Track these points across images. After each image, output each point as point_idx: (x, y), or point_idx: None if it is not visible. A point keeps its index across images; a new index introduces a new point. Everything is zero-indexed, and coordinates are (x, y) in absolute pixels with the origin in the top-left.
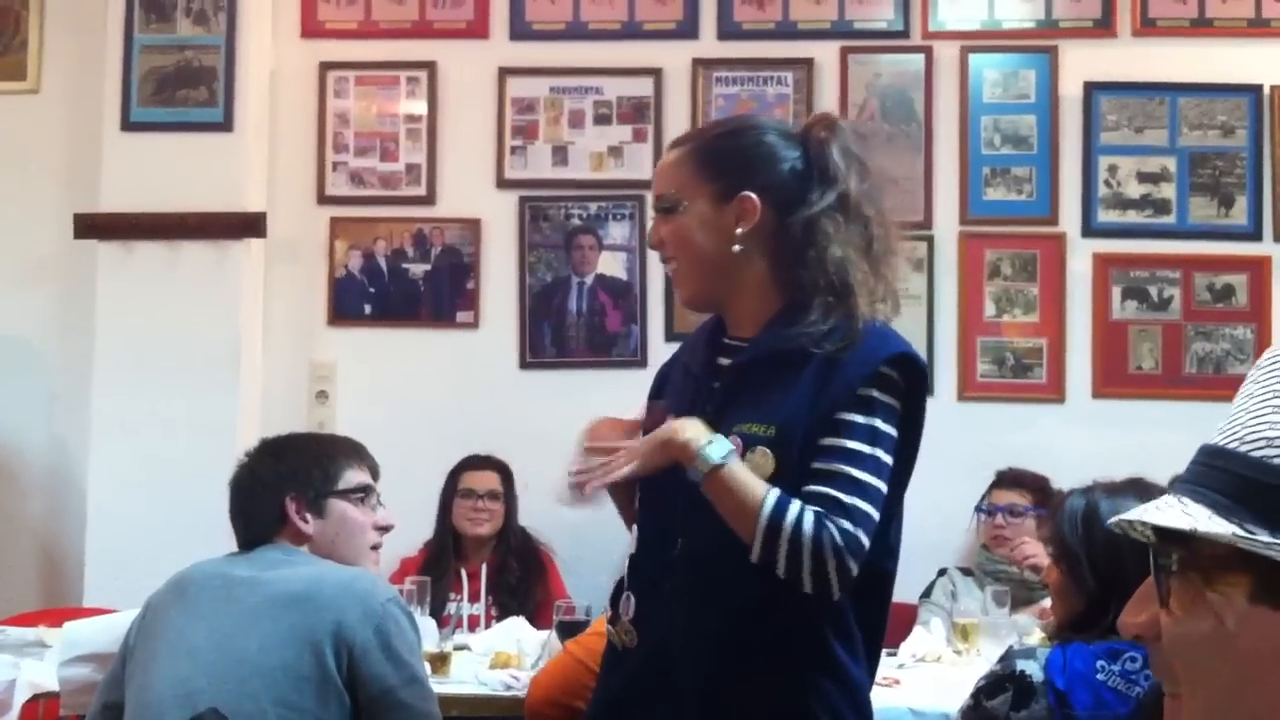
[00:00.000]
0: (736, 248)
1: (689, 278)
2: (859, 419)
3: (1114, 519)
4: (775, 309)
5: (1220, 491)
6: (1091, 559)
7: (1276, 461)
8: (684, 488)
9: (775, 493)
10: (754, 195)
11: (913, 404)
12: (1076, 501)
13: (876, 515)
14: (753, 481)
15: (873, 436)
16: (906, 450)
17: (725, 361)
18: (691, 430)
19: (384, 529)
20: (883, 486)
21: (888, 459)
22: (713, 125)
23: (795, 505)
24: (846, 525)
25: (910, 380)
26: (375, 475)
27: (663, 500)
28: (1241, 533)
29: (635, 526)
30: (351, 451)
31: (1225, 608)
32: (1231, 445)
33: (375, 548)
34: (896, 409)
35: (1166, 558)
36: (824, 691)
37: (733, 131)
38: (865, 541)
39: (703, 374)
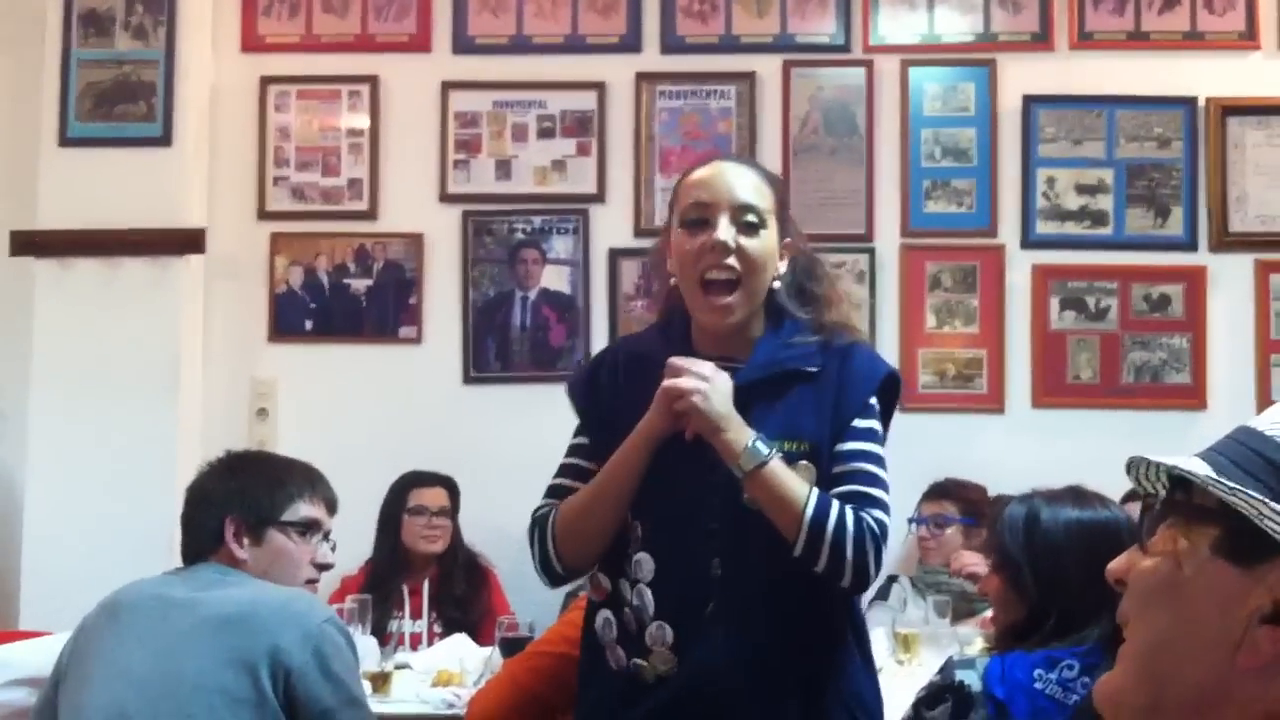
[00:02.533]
0: (777, 284)
1: (748, 298)
2: (869, 424)
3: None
4: (760, 330)
5: (1229, 457)
6: (1033, 566)
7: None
8: (713, 509)
9: (816, 492)
10: (790, 237)
11: (891, 412)
12: (1016, 510)
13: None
14: (793, 480)
15: (877, 437)
16: None
17: None
18: (735, 428)
19: (322, 567)
20: (888, 479)
21: (883, 455)
22: (750, 159)
23: (835, 504)
24: (878, 515)
25: (894, 393)
26: (332, 509)
27: (687, 524)
28: (1215, 477)
29: (643, 556)
30: (307, 482)
31: (1188, 555)
32: (1255, 425)
33: (310, 582)
34: (880, 413)
35: (1156, 501)
36: (862, 689)
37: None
38: (889, 528)
39: None
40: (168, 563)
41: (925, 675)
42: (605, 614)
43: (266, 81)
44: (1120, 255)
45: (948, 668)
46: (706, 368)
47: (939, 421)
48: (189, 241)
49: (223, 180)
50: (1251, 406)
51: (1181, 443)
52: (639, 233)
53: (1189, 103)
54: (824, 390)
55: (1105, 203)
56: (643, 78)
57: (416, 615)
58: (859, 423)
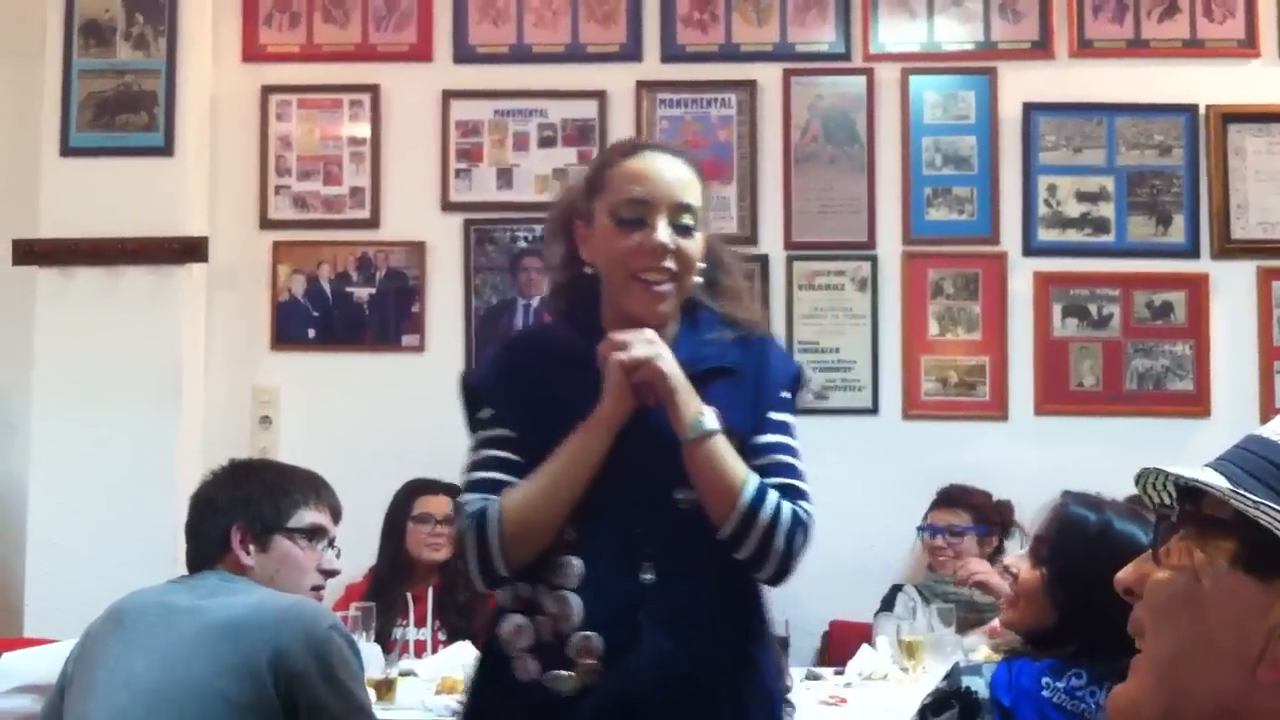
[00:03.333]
0: (699, 279)
1: (679, 296)
2: (784, 417)
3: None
4: (676, 323)
5: (1243, 467)
6: (1089, 578)
7: None
8: (643, 512)
9: (755, 477)
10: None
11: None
12: (1083, 513)
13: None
14: (735, 459)
15: (793, 431)
16: None
17: None
18: (687, 391)
19: (328, 573)
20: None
21: (800, 448)
22: (678, 146)
23: (773, 493)
24: (807, 506)
25: (800, 388)
26: (336, 516)
27: (617, 528)
28: (1237, 491)
29: (570, 561)
30: (311, 489)
31: (1206, 567)
32: (1265, 434)
33: (317, 589)
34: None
35: (1172, 513)
36: (774, 686)
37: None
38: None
39: None
40: (171, 570)
41: (929, 682)
42: (518, 620)
43: (268, 91)
44: (1122, 262)
45: (954, 673)
46: (647, 332)
47: (941, 429)
48: (191, 250)
49: (224, 189)
50: (1255, 413)
51: (1184, 450)
52: None
53: (1189, 110)
54: (744, 385)
55: (1107, 210)
56: (643, 86)
57: (420, 622)
58: (776, 415)
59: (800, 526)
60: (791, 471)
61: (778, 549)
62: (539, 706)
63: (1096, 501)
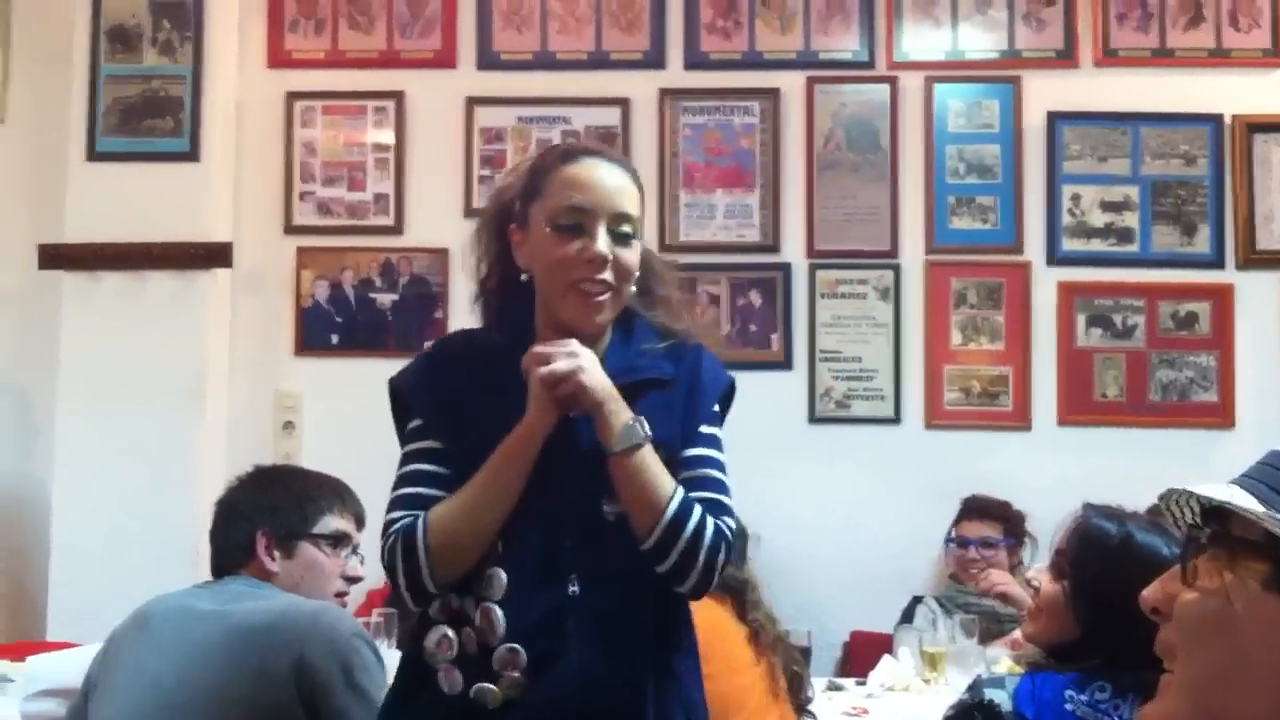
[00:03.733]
0: (633, 287)
1: (617, 306)
2: (713, 431)
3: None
4: (609, 333)
5: (1270, 484)
6: (1106, 586)
7: None
8: (570, 524)
9: (681, 491)
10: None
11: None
12: (1104, 525)
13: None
14: (662, 472)
15: (721, 444)
16: None
17: None
18: (615, 402)
19: (352, 580)
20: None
21: (726, 462)
22: (618, 154)
23: (697, 508)
24: (730, 523)
25: (731, 400)
26: (360, 523)
27: (543, 539)
28: (1270, 513)
29: (496, 573)
30: (336, 496)
31: (1239, 590)
32: None
33: (340, 595)
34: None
35: (1201, 533)
36: (696, 696)
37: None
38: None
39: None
40: (193, 574)
41: (951, 694)
42: (443, 631)
43: (293, 97)
44: (1147, 273)
45: (977, 686)
46: (572, 344)
47: (964, 438)
48: (216, 255)
49: (249, 195)
50: None
51: (1209, 462)
52: (662, 248)
53: (1214, 120)
54: (675, 396)
55: (1131, 220)
56: (666, 94)
57: None
58: (706, 429)
59: (723, 543)
60: (717, 486)
61: (699, 564)
62: (464, 719)
63: (1118, 514)
